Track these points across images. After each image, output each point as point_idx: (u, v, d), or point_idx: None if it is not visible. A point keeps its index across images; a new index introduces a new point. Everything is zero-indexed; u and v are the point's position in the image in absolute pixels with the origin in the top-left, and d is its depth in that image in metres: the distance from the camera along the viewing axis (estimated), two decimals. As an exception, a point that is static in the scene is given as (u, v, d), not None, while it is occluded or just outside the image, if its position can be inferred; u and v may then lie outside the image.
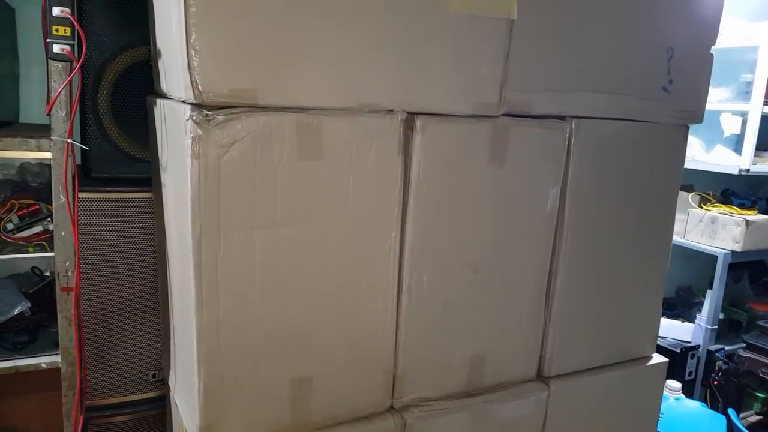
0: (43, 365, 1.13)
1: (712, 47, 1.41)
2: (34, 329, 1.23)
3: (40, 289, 1.37)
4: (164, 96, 1.10)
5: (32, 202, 1.20)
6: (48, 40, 0.99)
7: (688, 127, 1.43)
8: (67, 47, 0.99)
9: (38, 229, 1.19)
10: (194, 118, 0.89)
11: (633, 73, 1.29)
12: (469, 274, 1.18)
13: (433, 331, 1.17)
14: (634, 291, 1.43)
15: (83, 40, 0.98)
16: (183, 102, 0.94)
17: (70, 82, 1.05)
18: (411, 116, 1.05)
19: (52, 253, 1.13)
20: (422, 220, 1.10)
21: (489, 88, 1.11)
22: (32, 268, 1.42)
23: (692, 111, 1.41)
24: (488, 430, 1.24)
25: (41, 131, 1.19)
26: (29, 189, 1.31)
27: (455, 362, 1.21)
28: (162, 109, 1.09)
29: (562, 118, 1.22)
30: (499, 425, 1.26)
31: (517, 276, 1.24)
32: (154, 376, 1.35)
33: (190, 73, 0.87)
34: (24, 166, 1.41)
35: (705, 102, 1.44)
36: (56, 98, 1.01)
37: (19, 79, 1.47)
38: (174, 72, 0.97)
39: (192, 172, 0.91)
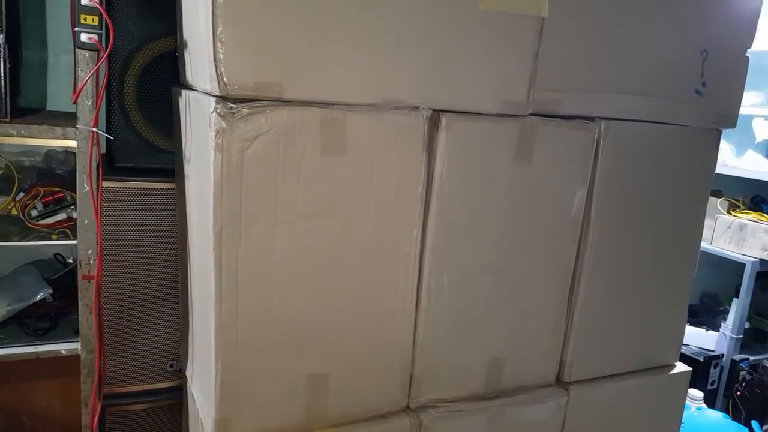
0: (63, 352, 1.15)
1: (748, 50, 1.37)
2: (56, 316, 1.24)
3: (63, 276, 1.39)
4: (189, 87, 1.10)
5: (57, 189, 1.21)
6: (76, 29, 1.00)
7: (720, 132, 1.39)
8: (95, 36, 0.99)
9: (62, 216, 1.20)
10: (219, 110, 0.88)
11: (665, 74, 1.26)
12: (490, 275, 1.16)
13: (452, 331, 1.15)
14: (658, 297, 1.40)
15: (111, 30, 0.98)
16: (208, 94, 0.93)
17: (97, 72, 1.05)
18: (436, 114, 1.04)
19: (74, 241, 1.13)
20: (445, 220, 1.09)
21: (517, 86, 1.09)
22: (55, 254, 1.43)
23: (725, 115, 1.38)
24: (505, 433, 1.23)
25: (67, 119, 1.20)
26: (54, 176, 1.32)
27: (473, 364, 1.19)
28: (187, 101, 1.09)
29: (590, 119, 1.20)
30: (517, 429, 1.24)
31: (540, 279, 1.22)
32: (171, 366, 1.36)
33: (215, 65, 0.87)
34: (50, 154, 1.42)
35: (739, 106, 1.40)
36: (83, 87, 1.01)
37: (47, 68, 1.48)
38: (200, 64, 0.97)
39: (215, 165, 0.90)
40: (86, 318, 1.14)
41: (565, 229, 1.23)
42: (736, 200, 2.51)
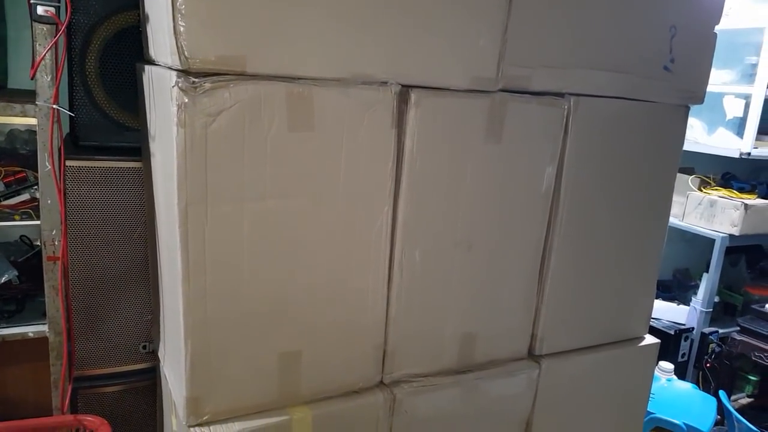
0: (31, 334, 1.13)
1: (716, 27, 1.38)
2: (22, 298, 1.22)
3: (29, 258, 1.36)
4: (152, 62, 1.07)
5: (19, 169, 1.18)
6: (32, 1, 0.96)
7: (688, 108, 1.41)
8: (52, 9, 0.96)
9: (25, 197, 1.17)
10: (180, 85, 0.86)
11: (634, 50, 1.27)
12: (462, 251, 1.17)
13: (425, 307, 1.16)
14: (628, 272, 1.42)
15: (68, 2, 0.95)
16: (169, 68, 0.91)
17: (56, 46, 1.02)
18: (405, 89, 1.03)
19: (36, 222, 1.11)
20: (415, 196, 1.09)
21: (486, 62, 1.09)
22: (21, 236, 1.40)
23: (693, 91, 1.39)
24: (478, 406, 1.24)
25: (28, 97, 1.16)
26: (17, 156, 1.28)
27: (446, 339, 1.20)
28: (150, 76, 1.07)
29: (560, 95, 1.20)
30: (490, 402, 1.26)
31: (511, 254, 1.23)
32: (144, 347, 1.34)
33: (176, 38, 0.85)
34: (13, 133, 1.38)
35: (707, 82, 1.41)
36: (40, 61, 0.98)
37: (6, 43, 1.43)
38: (161, 37, 0.94)
39: (178, 141, 0.88)
40: (53, 300, 1.12)
41: (536, 205, 1.23)
42: (707, 177, 2.55)
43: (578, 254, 1.31)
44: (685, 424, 1.81)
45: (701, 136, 2.54)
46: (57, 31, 1.01)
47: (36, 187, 1.17)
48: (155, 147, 1.11)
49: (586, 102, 1.22)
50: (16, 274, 1.22)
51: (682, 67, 1.34)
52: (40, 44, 1.01)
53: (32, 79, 1.00)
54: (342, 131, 0.99)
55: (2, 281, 1.19)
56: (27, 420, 1.17)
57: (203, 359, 0.98)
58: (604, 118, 1.26)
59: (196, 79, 0.87)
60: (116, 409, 1.34)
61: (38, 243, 1.43)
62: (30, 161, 1.25)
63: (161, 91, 0.99)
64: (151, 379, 1.37)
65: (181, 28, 0.84)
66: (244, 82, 0.90)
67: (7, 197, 1.14)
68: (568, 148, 1.23)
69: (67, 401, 1.13)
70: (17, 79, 1.50)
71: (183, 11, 0.83)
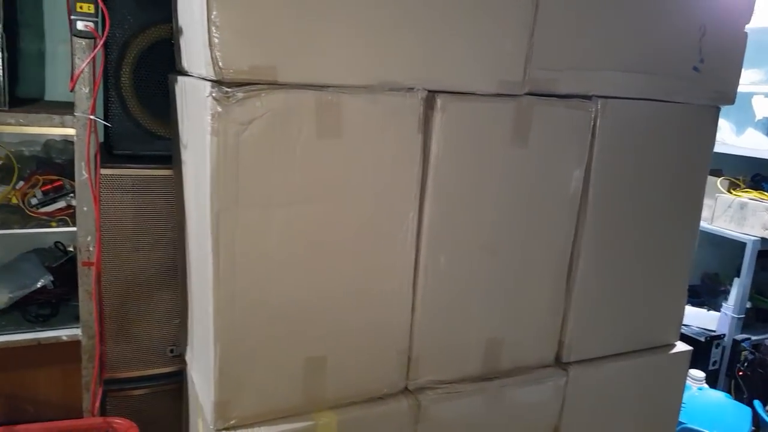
0: (64, 338, 1.16)
1: (746, 26, 1.36)
2: (56, 303, 1.25)
3: (63, 264, 1.40)
4: (185, 73, 1.10)
5: (56, 177, 1.22)
6: (72, 17, 1.00)
7: (718, 109, 1.38)
8: (91, 24, 0.99)
9: (61, 204, 1.20)
10: (214, 94, 0.88)
11: (663, 51, 1.25)
12: (488, 255, 1.17)
13: (450, 312, 1.16)
14: (658, 277, 1.40)
15: (106, 17, 0.98)
16: (203, 79, 0.93)
17: (94, 59, 1.05)
18: (432, 94, 1.04)
19: (74, 228, 1.14)
20: (441, 200, 1.09)
21: (513, 65, 1.09)
22: (55, 242, 1.44)
23: (723, 92, 1.37)
24: (503, 414, 1.23)
25: (65, 108, 1.20)
26: (53, 165, 1.32)
27: (471, 345, 1.20)
28: (183, 87, 1.09)
29: (587, 97, 1.19)
30: (515, 410, 1.25)
31: (538, 259, 1.22)
32: (172, 350, 1.37)
33: (210, 49, 0.87)
34: (49, 143, 1.43)
35: (737, 82, 1.39)
36: (79, 75, 1.01)
37: (45, 57, 1.48)
38: (194, 49, 0.97)
39: (211, 149, 0.90)
40: (86, 304, 1.15)
41: (563, 209, 1.22)
42: (736, 179, 2.49)
43: (606, 259, 1.30)
44: (717, 433, 1.77)
45: (729, 137, 2.49)
46: (95, 45, 1.04)
47: (72, 194, 1.21)
48: (187, 155, 1.14)
49: (614, 104, 1.21)
50: (51, 279, 1.25)
51: (711, 67, 1.31)
52: (79, 58, 1.04)
53: (71, 91, 1.04)
54: (369, 137, 1.00)
55: (38, 286, 1.23)
56: (58, 422, 1.20)
57: (231, 364, 0.99)
58: (632, 120, 1.25)
59: (229, 89, 0.89)
60: (143, 412, 1.37)
61: (71, 249, 1.47)
62: (66, 170, 1.29)
63: (195, 100, 1.01)
64: (177, 382, 1.40)
65: (216, 40, 0.86)
66: (275, 91, 0.92)
67: (44, 204, 1.18)
68: (596, 151, 1.22)
69: (97, 404, 1.16)
70: (52, 92, 1.55)
71: (217, 23, 0.86)
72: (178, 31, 1.11)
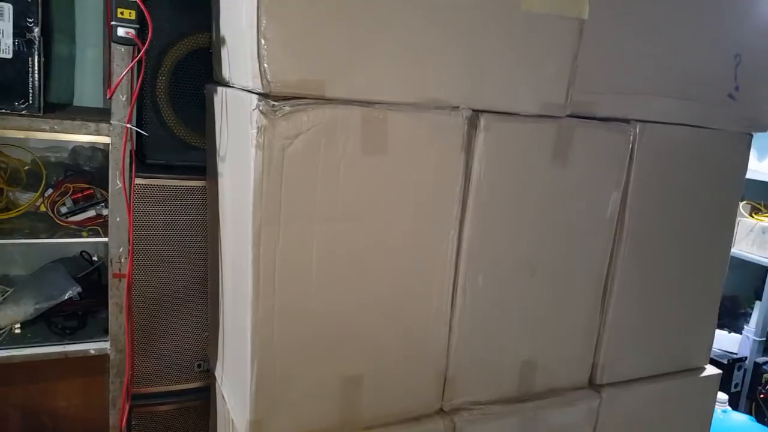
0: (92, 351, 1.13)
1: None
2: (83, 314, 1.23)
3: (88, 274, 1.38)
4: (226, 84, 1.09)
5: (86, 186, 1.20)
6: (112, 23, 0.98)
7: (751, 136, 1.39)
8: (132, 31, 0.98)
9: (91, 213, 1.18)
10: (261, 108, 0.87)
11: (699, 78, 1.26)
12: (525, 276, 1.15)
13: (486, 333, 1.14)
14: (690, 300, 1.39)
15: (149, 24, 0.97)
16: (249, 91, 0.92)
17: (132, 67, 1.04)
18: (475, 114, 1.03)
19: (104, 239, 1.12)
20: (481, 220, 1.08)
21: (556, 88, 1.08)
22: (81, 252, 1.42)
23: (757, 119, 1.37)
24: (537, 436, 1.21)
25: (96, 115, 1.18)
26: (82, 173, 1.31)
27: (507, 366, 1.18)
28: (224, 98, 1.08)
29: (626, 121, 1.19)
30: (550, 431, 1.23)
31: (574, 280, 1.21)
32: (199, 366, 1.34)
33: (259, 61, 0.85)
34: (76, 150, 1.41)
35: (771, 110, 1.38)
36: (119, 82, 1.00)
37: (74, 62, 1.47)
38: (240, 60, 0.96)
39: (255, 163, 0.89)
40: (116, 317, 1.13)
41: (599, 231, 1.21)
42: (758, 204, 2.49)
43: (641, 281, 1.29)
44: (742, 459, 1.74)
45: (751, 162, 2.48)
46: (134, 52, 1.03)
47: (103, 204, 1.19)
48: (224, 167, 1.12)
49: (652, 128, 1.21)
50: (80, 290, 1.23)
51: (746, 94, 1.32)
52: (118, 65, 1.03)
53: (109, 99, 1.02)
54: (413, 155, 0.99)
55: (66, 297, 1.21)
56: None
57: (268, 382, 0.97)
58: (668, 145, 1.24)
59: (276, 103, 0.87)
60: (168, 428, 1.34)
61: (96, 259, 1.45)
62: (96, 178, 1.28)
63: (238, 113, 1.00)
64: (204, 398, 1.37)
65: (264, 52, 0.85)
66: (321, 106, 0.90)
67: (74, 214, 1.16)
68: (633, 174, 1.21)
69: (124, 420, 1.13)
70: (80, 97, 1.53)
71: (267, 36, 0.84)
72: (220, 41, 1.09)
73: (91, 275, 1.39)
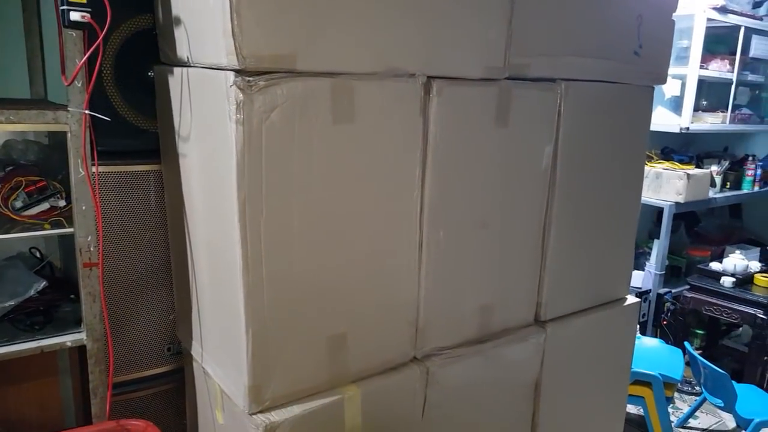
0: (68, 343, 1.11)
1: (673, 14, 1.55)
2: (46, 309, 1.19)
3: (41, 270, 1.33)
4: (184, 64, 1.09)
5: (38, 178, 1.15)
6: (63, 7, 0.96)
7: (653, 88, 1.57)
8: (88, 14, 0.96)
9: (45, 206, 1.14)
10: (238, 83, 0.90)
11: (610, 38, 1.41)
12: (479, 229, 1.26)
13: (449, 284, 1.24)
14: (612, 239, 1.57)
15: (107, 6, 0.96)
16: (221, 69, 0.94)
17: (86, 52, 1.02)
18: (429, 80, 1.11)
19: (69, 229, 1.10)
20: (439, 180, 1.17)
21: (496, 52, 1.19)
22: (30, 248, 1.36)
23: (658, 73, 1.56)
24: (497, 371, 1.34)
25: (25, 106, 1.13)
26: (24, 166, 1.25)
27: (467, 312, 1.30)
28: (184, 78, 1.09)
29: (552, 80, 1.32)
30: (506, 367, 1.36)
31: (519, 230, 1.34)
32: (169, 349, 1.35)
33: (233, 38, 0.88)
34: (9, 143, 1.34)
35: (668, 64, 1.58)
36: (80, 68, 0.98)
37: (43, 54, 1.38)
38: (208, 39, 0.97)
39: (236, 138, 0.92)
40: (90, 306, 1.11)
41: (537, 183, 1.35)
42: (649, 152, 2.78)
43: (572, 225, 1.44)
44: (660, 374, 2.00)
45: (642, 116, 2.77)
46: (88, 35, 1.01)
47: (57, 195, 1.16)
48: (187, 148, 1.13)
49: (575, 86, 1.34)
50: (47, 284, 1.19)
51: (648, 51, 1.49)
52: (70, 50, 1.00)
53: (68, 86, 1.00)
54: (378, 121, 1.06)
55: (32, 292, 1.16)
56: (71, 430, 1.15)
57: (263, 347, 1.02)
58: (589, 100, 1.39)
59: (251, 78, 0.91)
60: (144, 414, 1.34)
61: (46, 254, 1.40)
62: (42, 170, 1.23)
63: (205, 91, 1.01)
64: (177, 381, 1.38)
65: (238, 29, 0.88)
66: (294, 79, 0.95)
67: (28, 207, 1.12)
68: (562, 129, 1.35)
69: (108, 407, 1.13)
70: (4, 91, 1.45)
71: (241, 13, 0.87)
72: (172, 22, 1.09)
73: (43, 270, 1.34)
